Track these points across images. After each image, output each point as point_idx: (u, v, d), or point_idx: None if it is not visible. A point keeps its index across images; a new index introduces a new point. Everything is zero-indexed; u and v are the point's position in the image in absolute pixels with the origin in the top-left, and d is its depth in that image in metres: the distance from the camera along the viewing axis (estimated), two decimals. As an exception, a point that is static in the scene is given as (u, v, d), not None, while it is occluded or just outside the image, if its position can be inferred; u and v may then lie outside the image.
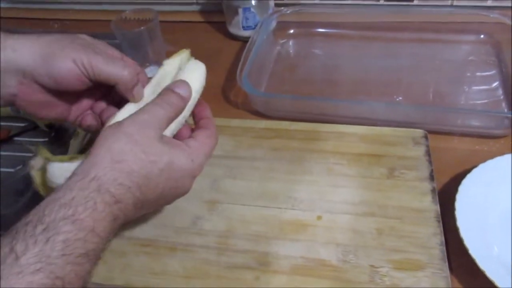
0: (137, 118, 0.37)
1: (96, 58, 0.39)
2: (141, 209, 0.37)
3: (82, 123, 0.45)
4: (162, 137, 0.37)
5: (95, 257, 0.32)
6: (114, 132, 0.36)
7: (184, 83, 0.41)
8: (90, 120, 0.45)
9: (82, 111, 0.45)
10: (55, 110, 0.43)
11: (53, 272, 0.29)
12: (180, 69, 0.43)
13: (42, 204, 0.32)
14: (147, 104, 0.38)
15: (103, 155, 0.35)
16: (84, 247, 0.31)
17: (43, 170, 0.39)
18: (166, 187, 0.37)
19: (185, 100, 0.40)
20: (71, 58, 0.38)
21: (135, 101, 0.41)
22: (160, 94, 0.39)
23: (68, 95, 0.42)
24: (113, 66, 0.40)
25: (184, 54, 0.45)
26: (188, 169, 0.38)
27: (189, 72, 0.42)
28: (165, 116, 0.38)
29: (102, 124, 0.44)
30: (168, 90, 0.40)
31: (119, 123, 0.36)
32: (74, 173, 0.34)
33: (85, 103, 0.45)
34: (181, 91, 0.40)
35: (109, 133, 0.36)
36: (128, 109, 0.40)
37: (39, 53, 0.38)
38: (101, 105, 0.45)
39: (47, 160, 0.39)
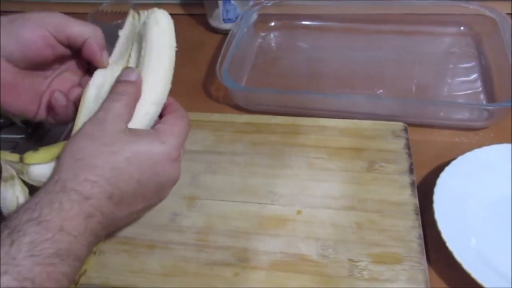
0: (94, 118, 0.37)
1: (63, 18, 0.39)
2: (123, 203, 0.35)
3: (50, 99, 0.43)
4: (125, 129, 0.36)
5: (69, 257, 0.31)
6: (75, 135, 0.36)
7: (128, 69, 0.40)
8: (59, 97, 0.43)
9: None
10: (22, 97, 0.41)
11: (20, 273, 0.28)
12: (144, 25, 0.41)
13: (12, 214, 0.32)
14: (103, 102, 0.38)
15: (65, 157, 0.34)
16: (53, 246, 0.30)
17: (21, 174, 0.38)
18: (143, 176, 0.36)
19: (135, 84, 0.39)
20: (36, 20, 0.38)
21: (103, 65, 0.41)
22: (111, 88, 0.39)
23: (35, 75, 0.42)
24: (82, 23, 0.40)
25: (131, 15, 0.43)
26: (161, 152, 0.37)
27: (156, 23, 0.40)
28: (122, 106, 0.37)
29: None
30: (117, 82, 0.39)
31: (79, 128, 0.36)
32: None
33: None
34: (128, 77, 0.39)
35: (71, 138, 0.36)
36: (97, 79, 0.41)
37: (1, 23, 0.37)
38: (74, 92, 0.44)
39: (24, 164, 0.38)
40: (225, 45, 0.63)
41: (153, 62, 0.40)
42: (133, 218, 0.39)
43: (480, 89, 0.61)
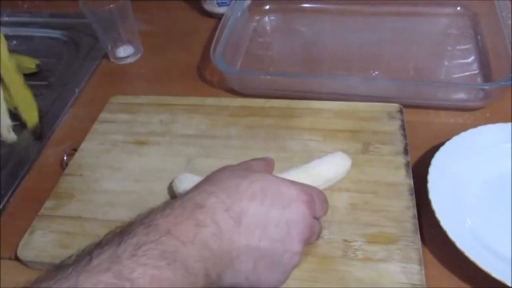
0: (238, 165, 0.40)
1: None
2: (242, 225, 0.32)
3: None
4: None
5: (176, 263, 0.28)
6: (220, 169, 0.37)
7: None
8: None
9: None
10: None
11: (122, 273, 0.26)
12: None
13: None
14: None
15: (202, 181, 0.36)
16: (159, 248, 0.28)
17: None
18: (266, 200, 0.33)
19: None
20: None
21: None
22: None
23: None
24: None
25: None
26: (288, 187, 0.35)
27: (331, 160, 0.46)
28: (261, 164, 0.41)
29: None
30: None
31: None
32: None
33: None
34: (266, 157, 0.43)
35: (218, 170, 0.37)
36: None
37: None
38: None
39: None
40: (219, 28, 0.63)
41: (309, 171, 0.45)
42: (252, 263, 0.33)
43: (477, 71, 0.60)
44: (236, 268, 0.32)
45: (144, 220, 0.30)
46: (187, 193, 0.34)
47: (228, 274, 0.32)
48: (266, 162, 0.42)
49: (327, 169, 0.45)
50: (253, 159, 0.42)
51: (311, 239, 0.37)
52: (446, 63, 0.63)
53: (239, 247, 0.32)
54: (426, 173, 0.45)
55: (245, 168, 0.38)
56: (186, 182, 0.45)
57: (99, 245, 0.29)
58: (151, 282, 0.26)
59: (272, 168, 0.43)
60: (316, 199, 0.36)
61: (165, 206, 0.32)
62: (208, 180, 0.35)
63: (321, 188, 0.41)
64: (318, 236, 0.39)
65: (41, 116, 0.59)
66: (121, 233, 0.30)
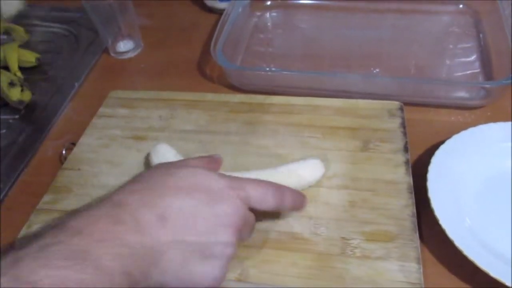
0: (170, 162, 0.41)
1: None
2: (168, 221, 0.31)
3: None
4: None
5: (85, 262, 0.27)
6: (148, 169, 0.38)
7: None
8: None
9: None
10: None
11: (19, 275, 0.25)
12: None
13: None
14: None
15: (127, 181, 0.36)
16: (66, 248, 0.27)
17: None
18: (191, 190, 0.33)
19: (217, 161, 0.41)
20: None
21: None
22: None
23: None
24: None
25: None
26: (214, 176, 0.35)
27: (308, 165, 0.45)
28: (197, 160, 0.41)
29: None
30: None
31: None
32: None
33: None
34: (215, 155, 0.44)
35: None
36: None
37: None
38: None
39: None
40: (219, 24, 0.62)
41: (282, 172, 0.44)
42: (181, 258, 0.32)
43: (479, 70, 0.60)
44: (163, 265, 0.31)
45: (57, 222, 0.30)
46: (110, 194, 0.33)
47: (155, 272, 0.31)
48: (210, 160, 0.42)
49: (296, 172, 0.44)
50: (195, 157, 0.42)
51: (245, 230, 0.36)
52: (447, 61, 0.62)
53: (164, 242, 0.31)
54: (425, 171, 0.45)
55: (180, 165, 0.37)
56: (161, 151, 0.47)
57: (7, 251, 0.28)
58: (54, 283, 0.25)
59: (218, 167, 0.42)
60: (252, 190, 0.36)
61: (83, 208, 0.31)
62: (137, 179, 0.35)
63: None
64: (252, 229, 0.39)
65: (41, 110, 0.59)
66: (33, 236, 0.28)
